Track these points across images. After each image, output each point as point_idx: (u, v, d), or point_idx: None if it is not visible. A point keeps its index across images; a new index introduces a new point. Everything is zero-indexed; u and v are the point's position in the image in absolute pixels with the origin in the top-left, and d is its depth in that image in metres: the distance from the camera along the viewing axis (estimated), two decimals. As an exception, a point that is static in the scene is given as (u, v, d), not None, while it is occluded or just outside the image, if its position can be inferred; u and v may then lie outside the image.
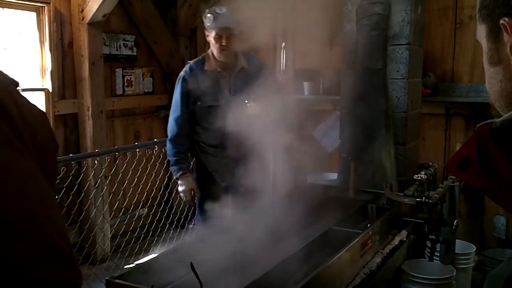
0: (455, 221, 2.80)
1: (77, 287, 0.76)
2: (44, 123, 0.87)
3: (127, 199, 4.64)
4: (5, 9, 4.20)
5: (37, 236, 0.72)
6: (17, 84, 0.86)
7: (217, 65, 3.29)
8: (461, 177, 0.90)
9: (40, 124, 0.85)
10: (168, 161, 3.49)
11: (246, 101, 3.13)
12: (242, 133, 3.00)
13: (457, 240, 3.00)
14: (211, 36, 3.22)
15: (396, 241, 2.65)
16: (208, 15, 3.17)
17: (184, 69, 3.36)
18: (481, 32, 0.84)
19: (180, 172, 3.28)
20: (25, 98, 0.85)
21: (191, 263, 1.57)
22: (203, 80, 3.26)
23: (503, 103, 0.82)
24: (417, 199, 2.64)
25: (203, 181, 3.40)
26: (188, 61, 3.46)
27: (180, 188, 3.31)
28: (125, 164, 4.47)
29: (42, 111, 0.89)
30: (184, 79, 3.31)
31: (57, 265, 0.73)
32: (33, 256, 0.70)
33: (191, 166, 3.45)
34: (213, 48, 3.26)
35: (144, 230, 4.92)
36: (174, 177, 3.39)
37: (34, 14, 4.41)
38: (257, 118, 3.06)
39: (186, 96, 3.29)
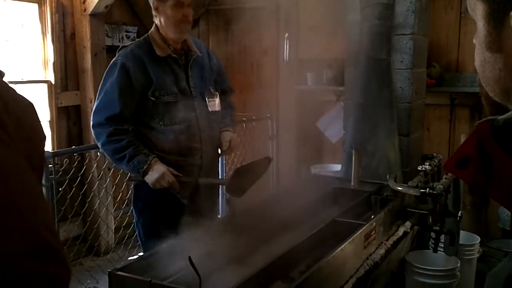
0: (460, 212, 2.78)
1: (64, 281, 0.74)
2: (31, 115, 0.85)
3: (130, 190, 4.63)
4: (7, 0, 4.18)
5: (22, 230, 0.71)
6: (2, 74, 0.84)
7: (170, 49, 2.61)
8: (459, 176, 0.88)
9: (27, 116, 0.84)
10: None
11: (207, 97, 2.69)
12: (207, 135, 2.65)
13: (461, 231, 2.99)
14: (166, 5, 2.54)
15: (400, 232, 2.64)
16: None
17: (121, 53, 2.57)
18: (477, 9, 0.78)
19: (150, 158, 2.48)
20: (12, 88, 0.84)
21: (189, 257, 1.56)
22: (154, 69, 2.55)
23: (498, 90, 0.78)
24: (421, 190, 2.62)
25: (155, 199, 2.64)
26: (123, 44, 2.70)
27: (156, 175, 2.48)
28: (128, 156, 4.46)
29: (29, 102, 0.86)
30: (123, 67, 2.50)
31: (43, 259, 0.72)
32: (18, 251, 0.68)
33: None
34: (167, 22, 2.56)
35: (148, 222, 4.92)
36: (143, 170, 2.49)
37: (36, 5, 4.39)
38: (217, 117, 2.74)
39: (127, 88, 2.51)
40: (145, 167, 2.48)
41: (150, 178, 2.49)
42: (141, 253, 2.81)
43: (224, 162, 4.27)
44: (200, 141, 2.64)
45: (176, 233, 2.31)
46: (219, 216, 4.03)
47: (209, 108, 2.68)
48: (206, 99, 2.68)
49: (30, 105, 0.86)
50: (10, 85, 0.85)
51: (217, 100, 2.74)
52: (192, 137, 2.61)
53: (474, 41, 0.81)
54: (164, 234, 2.36)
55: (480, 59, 0.79)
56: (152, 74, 2.54)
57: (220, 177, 4.04)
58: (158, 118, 2.55)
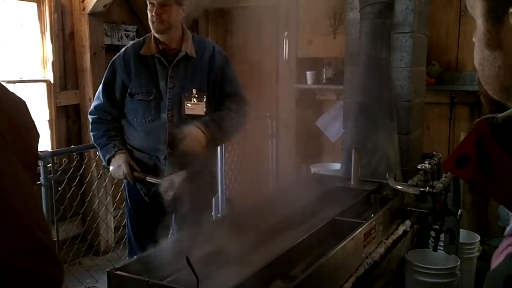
0: (459, 210, 2.78)
1: (58, 281, 0.74)
2: (24, 113, 0.84)
3: (130, 190, 4.62)
4: (6, -1, 4.18)
5: (16, 230, 0.70)
6: None
7: (156, 49, 2.64)
8: (458, 175, 0.87)
9: (20, 114, 0.83)
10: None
11: (185, 99, 2.62)
12: (173, 138, 2.58)
13: (461, 230, 2.99)
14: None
15: (400, 231, 2.63)
16: None
17: (120, 51, 2.77)
18: (476, 7, 0.78)
19: (116, 149, 2.64)
20: (4, 87, 0.83)
21: (187, 257, 1.56)
22: (135, 67, 2.65)
23: (497, 88, 0.77)
24: (421, 189, 2.62)
25: (136, 196, 2.80)
26: (130, 42, 2.85)
27: (114, 165, 2.63)
28: (128, 155, 4.45)
29: (22, 101, 0.85)
30: (113, 63, 2.72)
31: (37, 259, 0.71)
32: (12, 250, 0.68)
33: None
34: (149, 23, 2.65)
35: (147, 221, 4.91)
36: (107, 158, 2.67)
37: (34, 4, 4.38)
38: (196, 120, 2.60)
39: (111, 83, 2.69)
40: (108, 156, 2.66)
41: (111, 167, 2.66)
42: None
43: (223, 162, 4.26)
44: (165, 143, 2.63)
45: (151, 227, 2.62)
46: (219, 215, 4.03)
47: (184, 111, 2.62)
48: (183, 101, 2.63)
49: (23, 104, 0.85)
50: (7, 84, 0.84)
51: (202, 103, 2.64)
52: (158, 137, 2.64)
53: (473, 39, 0.81)
54: (140, 228, 2.78)
55: (479, 57, 0.78)
56: (133, 72, 2.66)
57: (220, 177, 4.05)
58: (133, 115, 2.68)
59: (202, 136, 2.55)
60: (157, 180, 2.56)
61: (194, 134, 2.54)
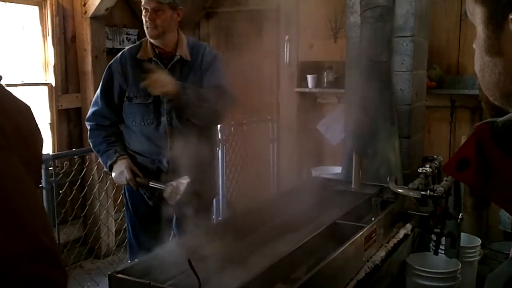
0: (460, 214, 2.78)
1: (61, 284, 0.74)
2: (29, 118, 0.85)
3: (131, 193, 4.62)
4: (8, 3, 4.18)
5: (20, 232, 0.70)
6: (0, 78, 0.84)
7: (153, 53, 2.66)
8: (459, 178, 0.88)
9: (25, 119, 0.83)
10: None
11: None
12: (174, 141, 2.58)
13: (462, 234, 2.99)
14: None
15: (401, 234, 2.63)
16: None
17: (117, 55, 2.77)
18: (476, 13, 0.78)
19: (117, 154, 2.64)
20: (9, 91, 0.83)
21: (188, 259, 1.56)
22: (132, 71, 2.65)
23: (498, 94, 0.78)
24: (422, 192, 2.62)
25: (136, 199, 2.81)
26: (127, 47, 2.88)
27: (117, 171, 2.63)
28: (129, 158, 4.45)
29: (27, 105, 0.86)
30: (109, 67, 2.71)
31: (40, 262, 0.71)
32: (16, 253, 0.68)
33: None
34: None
35: (148, 224, 4.90)
36: (108, 164, 2.67)
37: (36, 8, 4.40)
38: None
39: (108, 87, 2.69)
40: (110, 162, 2.65)
41: (113, 173, 2.66)
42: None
43: (224, 165, 4.26)
44: (167, 146, 2.63)
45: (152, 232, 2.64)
46: (220, 218, 4.03)
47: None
48: None
49: (28, 109, 0.86)
50: (9, 88, 0.85)
51: None
52: (160, 141, 2.63)
53: (474, 45, 0.81)
54: (141, 231, 2.78)
55: (480, 63, 0.79)
56: (130, 76, 2.65)
57: (221, 180, 4.06)
58: (132, 118, 2.67)
59: (169, 81, 2.49)
60: (160, 185, 2.56)
61: (162, 75, 2.50)
